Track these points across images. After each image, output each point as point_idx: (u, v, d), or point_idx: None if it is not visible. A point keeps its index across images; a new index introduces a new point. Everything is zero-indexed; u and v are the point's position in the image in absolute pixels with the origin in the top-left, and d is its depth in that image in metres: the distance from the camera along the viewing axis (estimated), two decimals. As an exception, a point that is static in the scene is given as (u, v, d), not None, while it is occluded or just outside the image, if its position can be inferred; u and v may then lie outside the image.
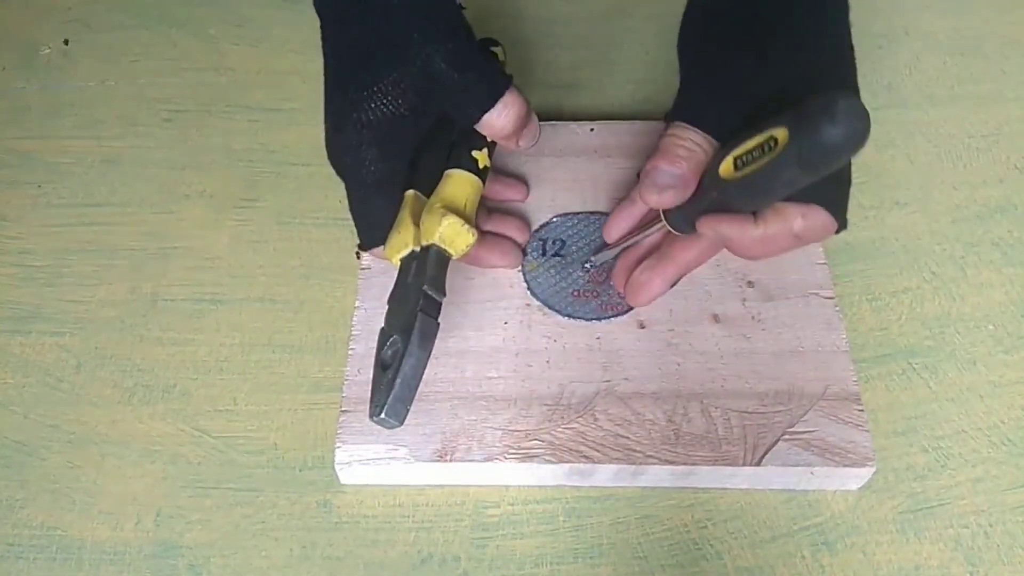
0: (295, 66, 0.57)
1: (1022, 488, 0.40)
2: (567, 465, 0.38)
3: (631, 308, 0.42)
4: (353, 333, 0.42)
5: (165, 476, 0.40)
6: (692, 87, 0.38)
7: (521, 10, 0.60)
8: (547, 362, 0.41)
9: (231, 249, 0.48)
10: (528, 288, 0.43)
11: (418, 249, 0.36)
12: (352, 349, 0.42)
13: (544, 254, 0.44)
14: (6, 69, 0.57)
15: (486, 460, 0.38)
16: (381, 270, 0.45)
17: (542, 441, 0.39)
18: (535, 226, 0.46)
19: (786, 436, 0.39)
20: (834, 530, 0.38)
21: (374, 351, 0.36)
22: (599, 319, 0.42)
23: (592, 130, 0.50)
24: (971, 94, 0.55)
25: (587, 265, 0.44)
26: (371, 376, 0.35)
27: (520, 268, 0.44)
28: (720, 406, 0.40)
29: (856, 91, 0.36)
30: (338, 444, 0.39)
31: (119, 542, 0.38)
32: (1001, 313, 0.45)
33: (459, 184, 0.38)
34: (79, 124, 0.54)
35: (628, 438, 0.39)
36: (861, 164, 0.52)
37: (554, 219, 0.46)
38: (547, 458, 0.38)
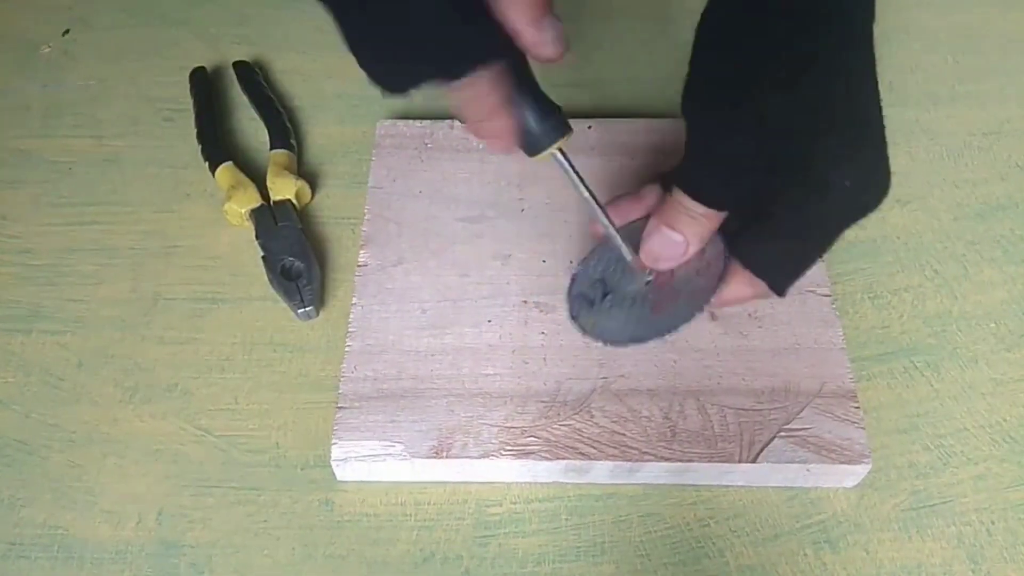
0: (296, 65, 0.57)
1: (1024, 486, 0.40)
2: (563, 462, 0.38)
3: (718, 282, 0.36)
4: (350, 330, 0.42)
5: (167, 475, 0.40)
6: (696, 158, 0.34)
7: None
8: (543, 359, 0.41)
9: (232, 248, 0.48)
10: (607, 344, 0.39)
11: (266, 203, 0.48)
12: (349, 346, 0.42)
13: (593, 305, 0.39)
14: (6, 68, 0.57)
15: (482, 457, 0.38)
16: (378, 268, 0.45)
17: (538, 438, 0.39)
18: (563, 285, 0.40)
19: (782, 433, 0.39)
20: (836, 528, 0.38)
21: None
22: (699, 310, 0.37)
23: (590, 128, 0.50)
24: (972, 92, 0.55)
25: (640, 279, 0.38)
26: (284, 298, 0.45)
27: (583, 334, 0.39)
28: (716, 403, 0.40)
29: (868, 154, 0.32)
30: (334, 440, 0.39)
31: (121, 541, 0.38)
32: (1003, 311, 0.45)
33: (282, 158, 0.50)
34: (79, 123, 0.54)
35: (624, 435, 0.39)
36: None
37: (577, 271, 0.40)
38: (543, 455, 0.38)
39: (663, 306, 0.38)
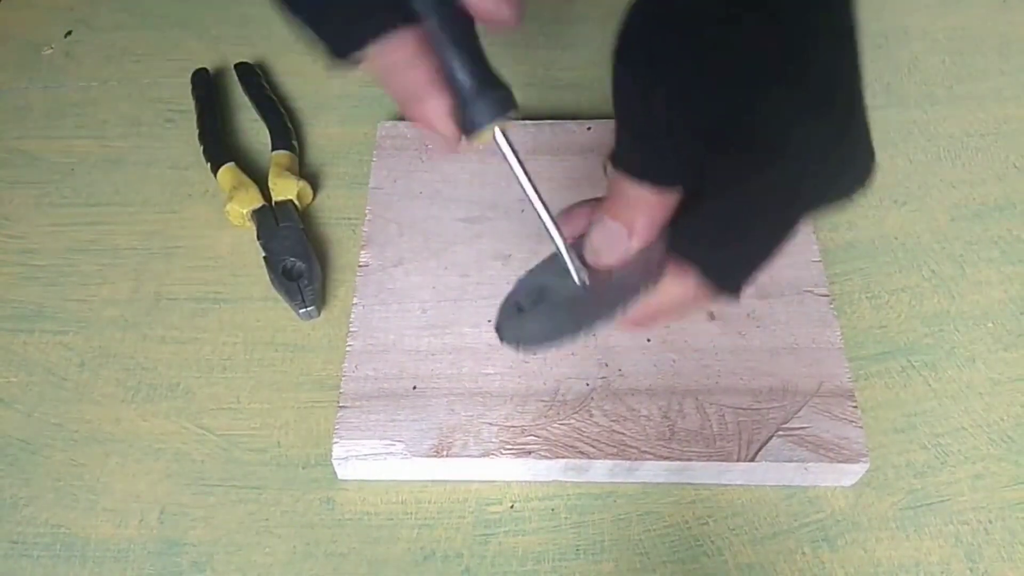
0: (297, 66, 0.57)
1: (1021, 485, 0.40)
2: (563, 461, 0.38)
3: (655, 277, 0.30)
4: (351, 330, 0.42)
5: (169, 474, 0.40)
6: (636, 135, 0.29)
7: (522, 10, 0.61)
8: (543, 358, 0.41)
9: (234, 248, 0.48)
10: (521, 349, 0.34)
11: (267, 204, 0.48)
12: (350, 345, 0.42)
13: (522, 311, 0.34)
14: (8, 69, 0.57)
15: (482, 456, 0.38)
16: (379, 269, 0.45)
17: (538, 437, 0.39)
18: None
19: (780, 432, 0.39)
20: (834, 526, 0.39)
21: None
22: (622, 311, 0.31)
23: (589, 129, 0.50)
24: (970, 93, 0.55)
25: (578, 282, 0.33)
26: (283, 298, 0.45)
27: (503, 343, 0.34)
28: (715, 402, 0.40)
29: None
30: (335, 439, 0.39)
31: (123, 539, 0.39)
32: (1000, 311, 0.45)
33: (283, 159, 0.50)
34: (82, 124, 0.54)
35: (623, 434, 0.39)
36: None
37: (520, 277, 0.36)
38: (543, 454, 0.38)
39: (590, 310, 0.32)
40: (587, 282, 0.32)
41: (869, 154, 0.27)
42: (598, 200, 0.31)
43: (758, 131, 0.25)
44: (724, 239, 0.28)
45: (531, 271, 0.35)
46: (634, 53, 0.26)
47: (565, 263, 0.31)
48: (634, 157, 0.28)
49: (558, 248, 0.31)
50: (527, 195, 0.30)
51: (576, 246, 0.32)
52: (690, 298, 0.30)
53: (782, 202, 0.27)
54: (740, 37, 0.24)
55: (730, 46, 0.24)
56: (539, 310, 0.34)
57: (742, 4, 0.24)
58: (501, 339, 0.34)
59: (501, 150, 0.29)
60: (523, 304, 0.34)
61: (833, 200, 0.27)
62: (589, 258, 0.31)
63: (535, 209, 0.31)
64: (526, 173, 0.30)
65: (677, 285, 0.29)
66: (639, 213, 0.29)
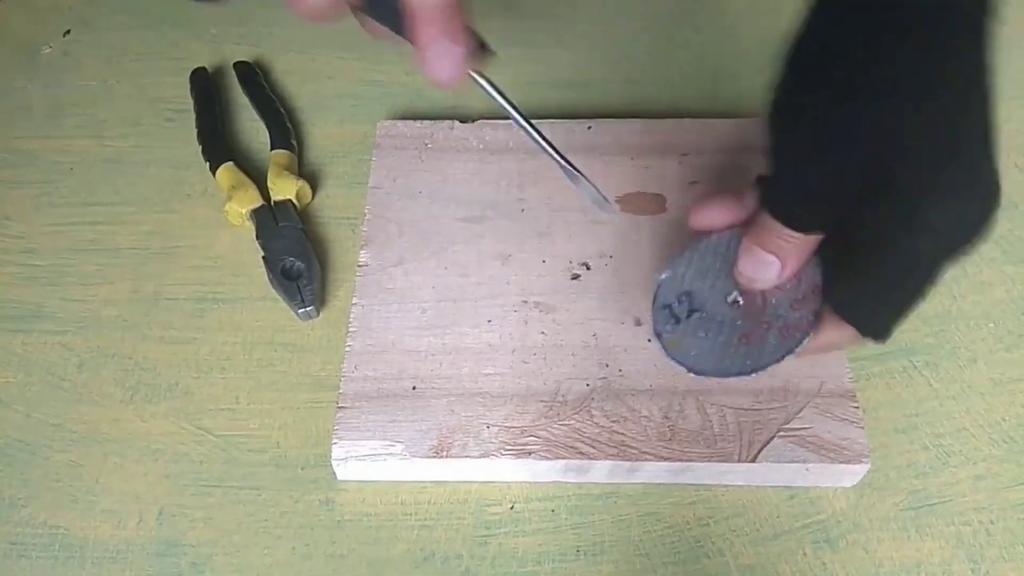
0: (296, 66, 0.57)
1: (1023, 485, 0.40)
2: (563, 461, 0.38)
3: (814, 317, 0.33)
4: (350, 330, 0.42)
5: (167, 474, 0.40)
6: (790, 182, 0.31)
7: (521, 9, 0.61)
8: (543, 359, 0.41)
9: (233, 248, 0.48)
10: (691, 372, 0.36)
11: (267, 203, 0.48)
12: (349, 346, 0.42)
13: (679, 322, 0.36)
14: (7, 69, 0.57)
15: (482, 456, 0.38)
16: (379, 269, 0.45)
17: (538, 437, 0.39)
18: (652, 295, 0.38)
19: (781, 433, 0.39)
20: (835, 527, 0.39)
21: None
22: (790, 353, 0.34)
23: (590, 128, 0.50)
24: (972, 92, 0.55)
25: (730, 299, 0.36)
26: (283, 299, 0.45)
27: (665, 354, 0.36)
28: (716, 403, 0.40)
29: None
30: (335, 440, 0.39)
31: (121, 540, 0.38)
32: (1002, 311, 0.45)
33: (283, 158, 0.50)
34: (81, 124, 0.54)
35: (624, 434, 0.39)
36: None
37: (663, 278, 0.37)
38: (543, 454, 0.38)
39: (752, 338, 0.35)
40: (738, 295, 0.35)
41: (996, 198, 0.29)
42: (732, 196, 0.35)
43: (905, 199, 0.27)
44: (876, 297, 0.32)
45: (671, 267, 0.37)
46: (807, 112, 0.29)
47: (590, 197, 0.33)
48: (788, 207, 0.31)
49: (577, 182, 0.33)
50: (527, 130, 0.31)
51: (703, 242, 0.35)
52: (845, 343, 0.34)
53: (924, 261, 0.30)
54: (893, 112, 0.27)
55: (883, 123, 0.27)
56: (696, 324, 0.36)
57: (893, 79, 0.26)
58: (667, 353, 0.36)
59: (484, 89, 0.29)
60: (677, 313, 0.36)
61: (961, 253, 0.29)
62: (741, 282, 0.34)
63: (545, 149, 0.32)
64: (516, 108, 0.31)
65: (836, 334, 0.33)
66: (791, 248, 0.32)
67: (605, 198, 0.34)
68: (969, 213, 0.29)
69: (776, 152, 0.31)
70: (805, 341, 0.33)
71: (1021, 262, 0.47)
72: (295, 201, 0.48)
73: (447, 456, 0.38)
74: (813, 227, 0.31)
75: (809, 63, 0.29)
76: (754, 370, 0.34)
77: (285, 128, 0.51)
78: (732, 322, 0.35)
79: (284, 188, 0.48)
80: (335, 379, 0.42)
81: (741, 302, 0.35)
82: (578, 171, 0.33)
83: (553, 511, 0.39)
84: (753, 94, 0.59)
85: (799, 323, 0.33)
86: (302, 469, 0.40)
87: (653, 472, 0.39)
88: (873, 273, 0.31)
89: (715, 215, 0.36)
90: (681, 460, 0.38)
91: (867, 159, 0.28)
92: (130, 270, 0.47)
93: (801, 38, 0.29)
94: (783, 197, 0.31)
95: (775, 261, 0.32)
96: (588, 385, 0.40)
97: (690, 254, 0.37)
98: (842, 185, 0.29)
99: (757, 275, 0.33)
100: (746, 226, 0.34)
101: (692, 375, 0.35)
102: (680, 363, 0.36)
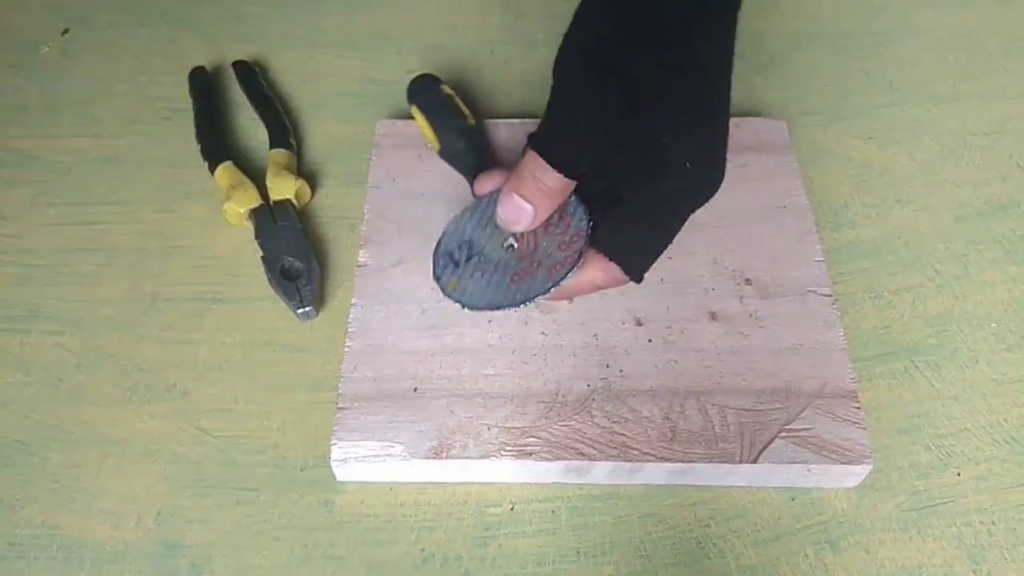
0: (295, 65, 0.56)
1: (1025, 486, 0.39)
2: (563, 462, 0.38)
3: (579, 256, 0.37)
4: (349, 330, 0.42)
5: (166, 475, 0.40)
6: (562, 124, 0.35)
7: (521, 9, 0.60)
8: (544, 359, 0.41)
9: (231, 248, 0.48)
10: (466, 307, 0.37)
11: (265, 203, 0.48)
12: (348, 346, 0.42)
13: (458, 266, 0.39)
14: (5, 67, 0.57)
15: (482, 457, 0.38)
16: (378, 268, 0.44)
17: (538, 438, 0.39)
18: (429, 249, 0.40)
19: (783, 433, 0.39)
20: (837, 528, 0.38)
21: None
22: (556, 285, 0.36)
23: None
24: (973, 92, 0.55)
25: (506, 244, 0.38)
26: (282, 301, 0.45)
27: (443, 294, 0.38)
28: (717, 403, 0.39)
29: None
30: (334, 441, 0.39)
31: (120, 541, 0.38)
32: (1004, 311, 0.45)
33: (281, 157, 0.50)
34: (78, 123, 0.54)
35: (625, 435, 0.39)
36: (864, 161, 0.52)
37: (446, 229, 0.40)
38: (543, 455, 0.38)
39: (523, 276, 0.37)
40: (510, 240, 0.38)
41: (724, 163, 0.34)
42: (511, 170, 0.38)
43: (659, 142, 0.32)
44: (635, 236, 0.37)
45: (456, 219, 0.40)
46: (592, 59, 0.33)
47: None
48: (556, 145, 0.34)
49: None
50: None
51: (484, 198, 0.39)
52: (608, 282, 0.38)
53: (672, 203, 0.35)
54: (665, 69, 0.31)
55: (654, 77, 0.32)
56: (474, 267, 0.39)
57: (669, 41, 0.31)
58: (443, 292, 0.38)
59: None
60: (456, 258, 0.39)
61: (702, 201, 0.35)
62: (502, 225, 0.37)
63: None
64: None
65: (599, 272, 0.37)
66: (544, 196, 0.35)
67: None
68: (708, 162, 0.33)
69: (556, 91, 0.34)
70: (569, 274, 0.36)
71: (1023, 262, 0.47)
72: (294, 201, 0.48)
73: (447, 457, 0.38)
74: (571, 166, 0.34)
75: (602, 10, 0.33)
76: (523, 301, 0.37)
77: (284, 127, 0.51)
78: (506, 263, 0.38)
79: (283, 188, 0.48)
80: (334, 380, 0.42)
81: (516, 246, 0.38)
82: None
83: (553, 512, 0.39)
84: (750, 94, 0.59)
85: (565, 261, 0.37)
86: (301, 470, 0.40)
87: (654, 473, 0.39)
88: (633, 214, 0.36)
89: (495, 181, 0.39)
90: (682, 461, 0.38)
91: (633, 106, 0.32)
92: (128, 270, 0.47)
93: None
94: (551, 137, 0.35)
95: (528, 207, 0.36)
96: (588, 386, 0.40)
97: (472, 209, 0.40)
98: (606, 125, 0.33)
99: (512, 219, 0.36)
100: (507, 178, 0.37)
101: (482, 312, 0.38)
102: (456, 300, 0.38)
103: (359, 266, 0.45)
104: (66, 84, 0.56)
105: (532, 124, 0.50)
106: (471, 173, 0.46)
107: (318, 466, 0.40)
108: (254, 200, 0.47)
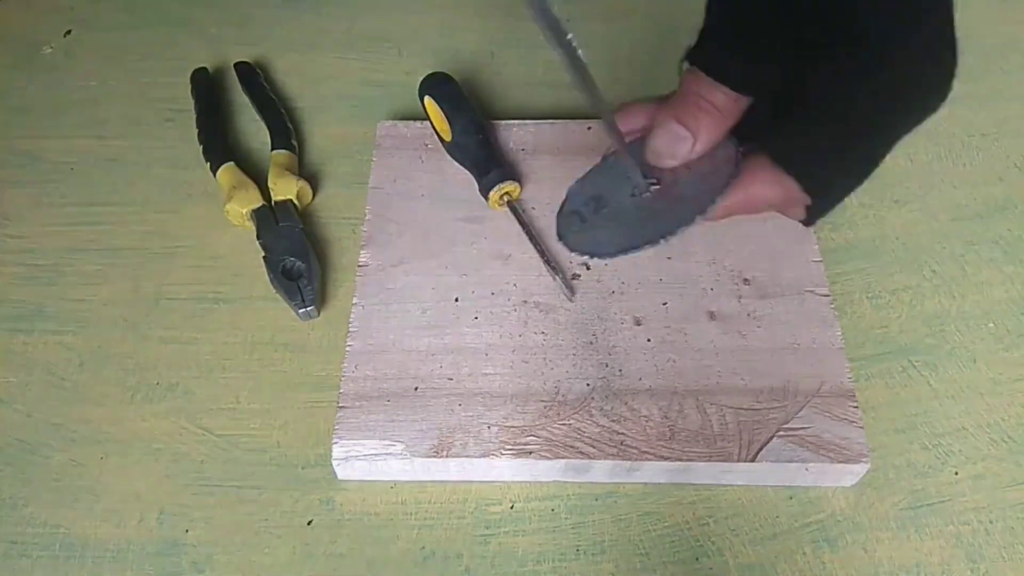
0: (297, 66, 0.57)
1: (1023, 485, 0.40)
2: (563, 461, 0.38)
3: (727, 185, 0.30)
4: (350, 330, 0.42)
5: (168, 474, 0.40)
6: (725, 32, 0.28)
7: (522, 10, 0.61)
8: (543, 359, 0.41)
9: (233, 248, 0.48)
10: (593, 255, 0.33)
11: (267, 204, 0.48)
12: (349, 346, 0.42)
13: (585, 220, 0.34)
14: (8, 68, 0.57)
15: (482, 456, 0.38)
16: (379, 268, 0.45)
17: (538, 437, 0.39)
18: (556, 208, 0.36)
19: (781, 432, 0.39)
20: (835, 527, 0.39)
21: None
22: (701, 215, 0.30)
23: (589, 129, 0.50)
24: (971, 93, 0.55)
25: (639, 191, 0.33)
26: (287, 303, 0.45)
27: (570, 251, 0.34)
28: (715, 403, 0.40)
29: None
30: (335, 439, 0.39)
31: (122, 540, 0.38)
32: (1001, 311, 0.45)
33: (283, 158, 0.50)
34: (81, 123, 0.54)
35: (624, 434, 0.39)
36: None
37: (569, 191, 0.36)
38: (543, 454, 0.38)
39: (662, 215, 0.31)
40: (648, 186, 0.32)
41: (953, 68, 0.26)
42: (660, 100, 0.31)
43: (872, 31, 0.24)
44: (829, 155, 0.28)
45: (581, 180, 0.35)
46: None
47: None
48: (720, 55, 0.27)
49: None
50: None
51: (632, 147, 0.32)
52: (780, 204, 0.30)
53: (882, 113, 0.27)
54: None
55: None
56: (604, 217, 0.33)
57: None
58: (570, 249, 0.33)
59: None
60: (584, 214, 0.34)
61: (922, 118, 0.27)
62: (650, 159, 0.31)
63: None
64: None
65: (770, 189, 0.29)
66: (709, 119, 0.28)
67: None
68: (932, 72, 0.26)
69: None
70: (720, 200, 0.30)
71: (1020, 262, 0.47)
72: (295, 201, 0.48)
73: (447, 456, 0.38)
74: (749, 80, 0.28)
75: None
76: (663, 235, 0.31)
77: (286, 128, 0.52)
78: (642, 206, 0.33)
79: (285, 188, 0.48)
80: (335, 379, 0.42)
81: (649, 193, 0.33)
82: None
83: (553, 510, 0.39)
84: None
85: (711, 190, 0.30)
86: (303, 468, 0.40)
87: (653, 472, 0.39)
88: (823, 128, 0.28)
89: (633, 120, 0.32)
90: (681, 460, 0.38)
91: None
92: (131, 270, 0.47)
93: None
94: (719, 44, 0.28)
95: (687, 135, 0.29)
96: (588, 385, 0.40)
97: (596, 169, 0.35)
98: (792, 15, 0.25)
99: (667, 150, 0.30)
100: (663, 103, 0.31)
101: (603, 260, 0.34)
102: (584, 252, 0.33)
103: (360, 266, 0.45)
104: (69, 85, 0.56)
105: (532, 125, 0.51)
106: (479, 168, 0.46)
107: (319, 464, 0.40)
108: (256, 201, 0.48)
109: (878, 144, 0.28)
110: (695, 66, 0.28)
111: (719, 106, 0.28)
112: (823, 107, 0.27)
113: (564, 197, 0.35)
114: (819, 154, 0.28)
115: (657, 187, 0.32)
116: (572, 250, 0.33)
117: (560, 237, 0.34)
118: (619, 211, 0.33)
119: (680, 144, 0.30)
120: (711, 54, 0.28)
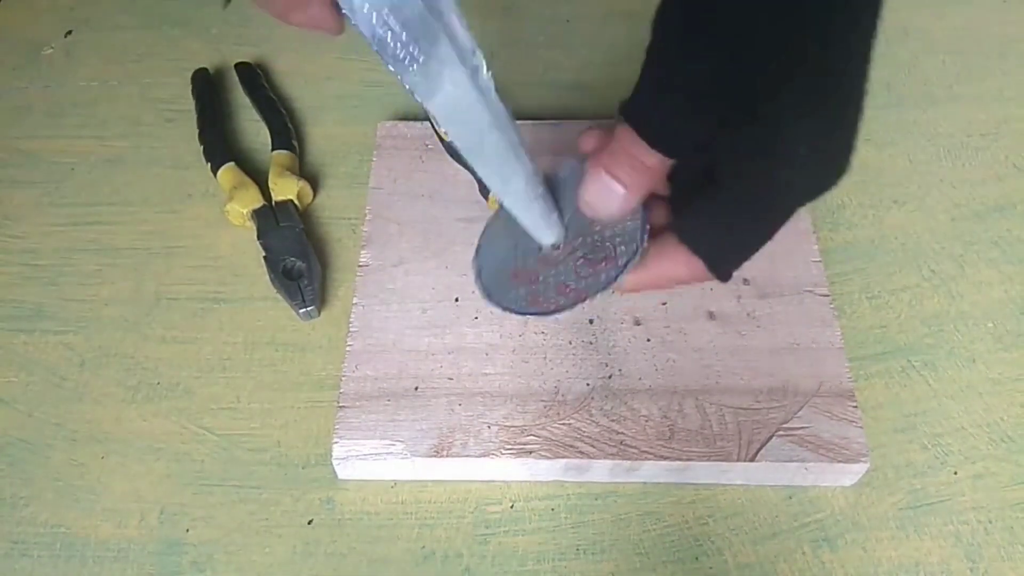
0: (297, 66, 0.57)
1: (1022, 485, 0.40)
2: (563, 460, 0.38)
3: (634, 256, 0.31)
4: (351, 330, 0.43)
5: (169, 474, 0.40)
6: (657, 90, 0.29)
7: (522, 10, 0.61)
8: (543, 358, 0.41)
9: (234, 248, 0.48)
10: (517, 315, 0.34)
11: (268, 204, 0.48)
12: (350, 345, 0.42)
13: (516, 276, 0.34)
14: (9, 69, 0.57)
15: (482, 456, 0.38)
16: (379, 268, 0.45)
17: (538, 437, 0.39)
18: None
19: (780, 432, 0.39)
20: (834, 526, 0.39)
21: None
22: (614, 281, 0.32)
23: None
24: (970, 93, 0.55)
25: (556, 246, 0.34)
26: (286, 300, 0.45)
27: (503, 311, 0.34)
28: (715, 402, 0.40)
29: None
30: (335, 439, 0.39)
31: (123, 539, 0.39)
32: (1000, 311, 0.45)
33: (284, 158, 0.50)
34: (82, 124, 0.54)
35: (624, 434, 0.39)
36: (861, 162, 0.52)
37: (478, 259, 0.36)
38: (543, 454, 0.38)
39: (572, 273, 0.32)
40: (560, 243, 0.33)
41: (851, 151, 0.27)
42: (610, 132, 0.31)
43: (776, 120, 0.26)
44: (730, 230, 0.30)
45: (486, 240, 0.36)
46: (697, 16, 0.27)
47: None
48: (655, 115, 0.28)
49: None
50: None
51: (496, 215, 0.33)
52: (688, 281, 0.32)
53: (781, 194, 0.29)
54: (785, 32, 0.25)
55: (771, 40, 0.25)
56: (523, 276, 0.34)
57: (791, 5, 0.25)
58: (498, 306, 0.34)
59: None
60: (510, 272, 0.34)
61: (816, 194, 0.28)
62: (584, 211, 0.32)
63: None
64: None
65: (681, 268, 0.31)
66: (639, 177, 0.29)
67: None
68: (832, 149, 0.27)
69: (654, 54, 0.28)
70: (627, 277, 0.31)
71: (1019, 262, 0.47)
72: (296, 201, 0.48)
73: (447, 455, 0.39)
74: (673, 141, 0.28)
75: None
76: (573, 304, 0.32)
77: (286, 129, 0.52)
78: (552, 261, 0.33)
79: (285, 188, 0.48)
80: (336, 379, 0.42)
81: (558, 246, 0.33)
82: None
83: (553, 510, 0.39)
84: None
85: (623, 254, 0.31)
86: (303, 468, 0.40)
87: (652, 471, 0.39)
88: (729, 204, 0.29)
89: (598, 139, 0.32)
90: (680, 459, 0.38)
91: (753, 63, 0.26)
92: (131, 270, 0.47)
93: None
94: (647, 106, 0.29)
95: (619, 189, 0.30)
96: (588, 384, 0.41)
97: (492, 227, 0.36)
98: (714, 93, 0.26)
99: (599, 203, 0.31)
100: (592, 155, 0.31)
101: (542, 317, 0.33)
102: (511, 313, 0.34)
103: (360, 266, 0.45)
104: (69, 86, 0.56)
105: (533, 126, 0.51)
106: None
107: (320, 464, 0.40)
108: (256, 201, 0.48)
109: (773, 221, 0.29)
110: (628, 124, 0.29)
111: (649, 165, 0.29)
112: (728, 194, 0.29)
113: (476, 249, 0.36)
114: (724, 235, 0.30)
115: (558, 251, 0.33)
116: (504, 309, 0.34)
117: (487, 295, 0.34)
118: (529, 271, 0.34)
119: (612, 197, 0.30)
120: (643, 114, 0.29)
